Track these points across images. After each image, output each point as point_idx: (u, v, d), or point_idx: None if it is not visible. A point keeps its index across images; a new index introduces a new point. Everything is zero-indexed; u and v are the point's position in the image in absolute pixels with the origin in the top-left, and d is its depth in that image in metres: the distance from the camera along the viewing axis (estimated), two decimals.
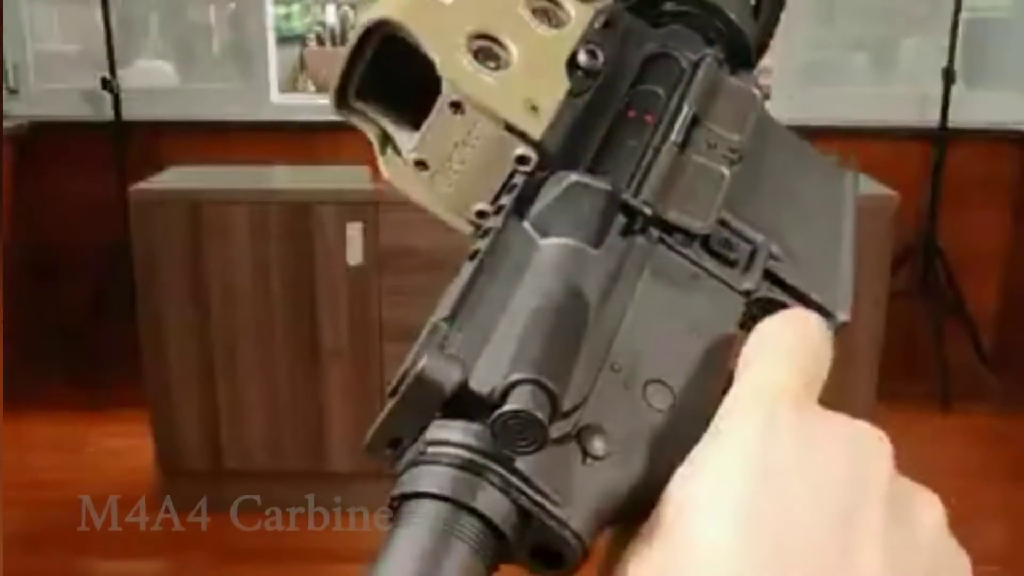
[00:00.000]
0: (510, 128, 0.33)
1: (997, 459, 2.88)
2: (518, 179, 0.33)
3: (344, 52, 0.37)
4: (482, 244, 0.30)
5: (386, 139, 0.37)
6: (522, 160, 0.33)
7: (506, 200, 0.33)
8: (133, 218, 2.47)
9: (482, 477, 0.25)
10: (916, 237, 3.23)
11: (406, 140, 0.36)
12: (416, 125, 0.35)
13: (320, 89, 3.80)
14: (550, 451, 0.25)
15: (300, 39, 3.94)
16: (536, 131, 0.33)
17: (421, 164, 0.34)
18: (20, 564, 2.31)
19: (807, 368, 0.32)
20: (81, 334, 3.27)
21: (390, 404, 0.27)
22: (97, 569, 2.43)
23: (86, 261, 3.29)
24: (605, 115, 0.36)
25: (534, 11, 0.35)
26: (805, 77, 3.40)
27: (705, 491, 0.25)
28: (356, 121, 0.38)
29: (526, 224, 0.32)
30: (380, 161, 0.37)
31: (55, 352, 3.37)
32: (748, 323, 0.33)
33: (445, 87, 0.33)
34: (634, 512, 0.27)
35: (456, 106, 0.33)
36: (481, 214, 0.34)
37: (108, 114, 3.23)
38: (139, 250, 2.45)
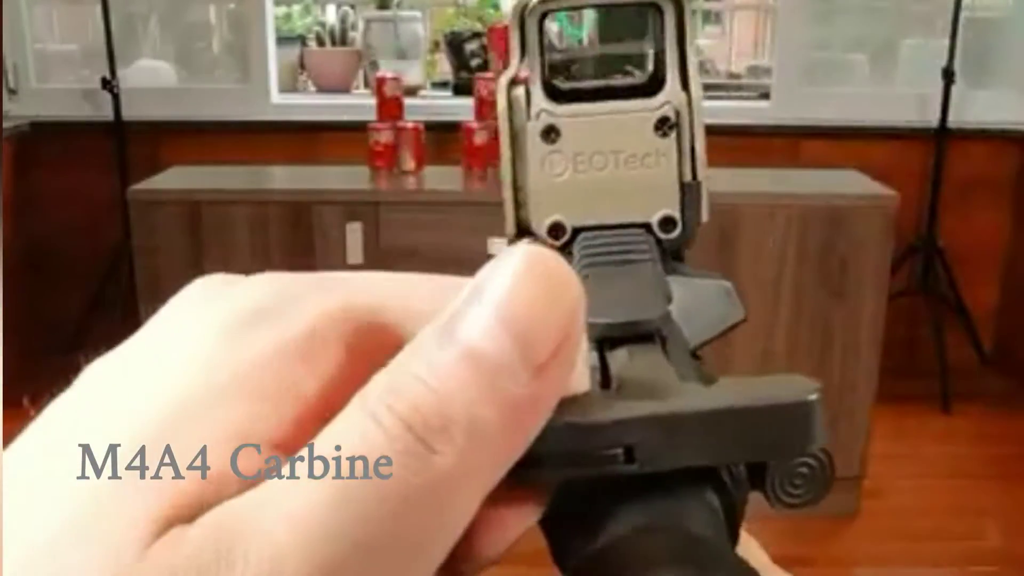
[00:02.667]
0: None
1: (997, 459, 2.88)
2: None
3: None
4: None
5: None
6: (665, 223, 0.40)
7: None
8: (133, 218, 2.47)
9: None
10: (916, 237, 3.23)
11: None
12: None
13: (320, 90, 3.80)
14: None
15: (300, 39, 3.94)
16: None
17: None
18: None
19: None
20: (81, 334, 3.27)
21: None
22: None
23: (86, 261, 3.29)
24: None
25: None
26: (805, 77, 3.40)
27: None
28: None
29: None
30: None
31: (55, 352, 3.37)
32: None
33: None
34: None
35: None
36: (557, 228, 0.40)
37: (108, 114, 3.23)
38: (139, 250, 2.45)
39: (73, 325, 3.28)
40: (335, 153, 2.71)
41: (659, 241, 0.40)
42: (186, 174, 2.70)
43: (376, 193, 2.41)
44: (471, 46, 3.61)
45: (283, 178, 2.90)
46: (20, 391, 2.70)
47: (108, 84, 3.19)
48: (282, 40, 3.68)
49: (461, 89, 3.47)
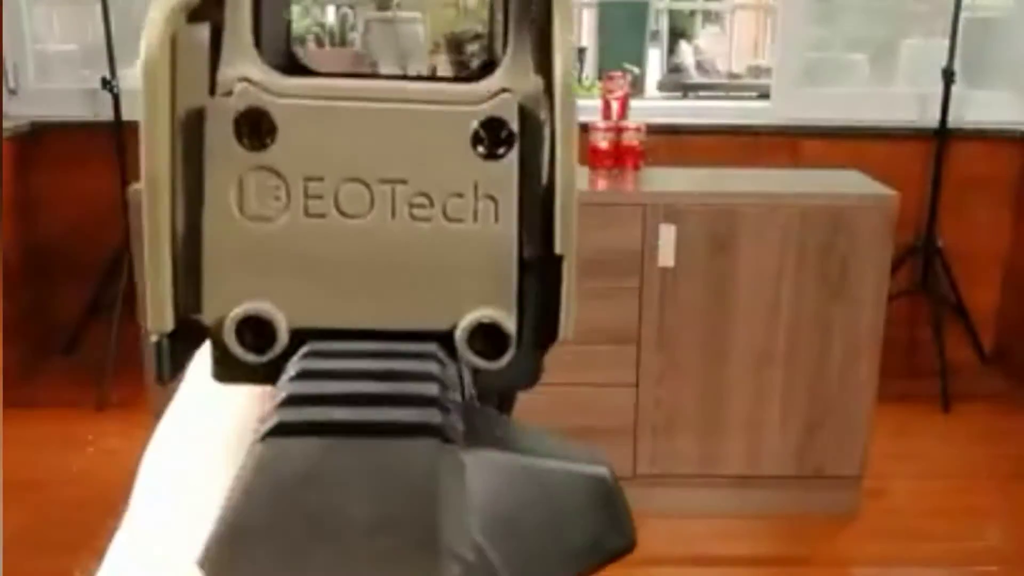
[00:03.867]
0: None
1: (997, 459, 2.88)
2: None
3: None
4: None
5: None
6: None
7: None
8: (133, 218, 2.47)
9: None
10: (916, 237, 3.23)
11: None
12: None
13: None
14: None
15: (300, 40, 3.94)
16: None
17: None
18: (20, 564, 2.31)
19: None
20: (81, 334, 3.27)
21: None
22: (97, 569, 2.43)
23: (86, 261, 3.29)
24: None
25: None
26: (805, 77, 3.39)
27: None
28: None
29: None
30: None
31: (55, 352, 3.37)
32: None
33: None
34: None
35: None
36: None
37: (108, 114, 3.23)
38: (139, 250, 2.44)
39: (73, 325, 3.28)
40: None
41: (470, 373, 0.23)
42: None
43: None
44: (471, 47, 3.61)
45: None
46: (20, 391, 2.70)
47: (108, 84, 3.19)
48: None
49: None
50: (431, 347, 0.22)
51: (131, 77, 3.39)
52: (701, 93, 4.13)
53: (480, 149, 0.22)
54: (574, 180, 0.22)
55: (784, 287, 2.42)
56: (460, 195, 0.22)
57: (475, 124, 0.22)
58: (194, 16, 0.22)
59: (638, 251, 2.39)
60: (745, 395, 2.48)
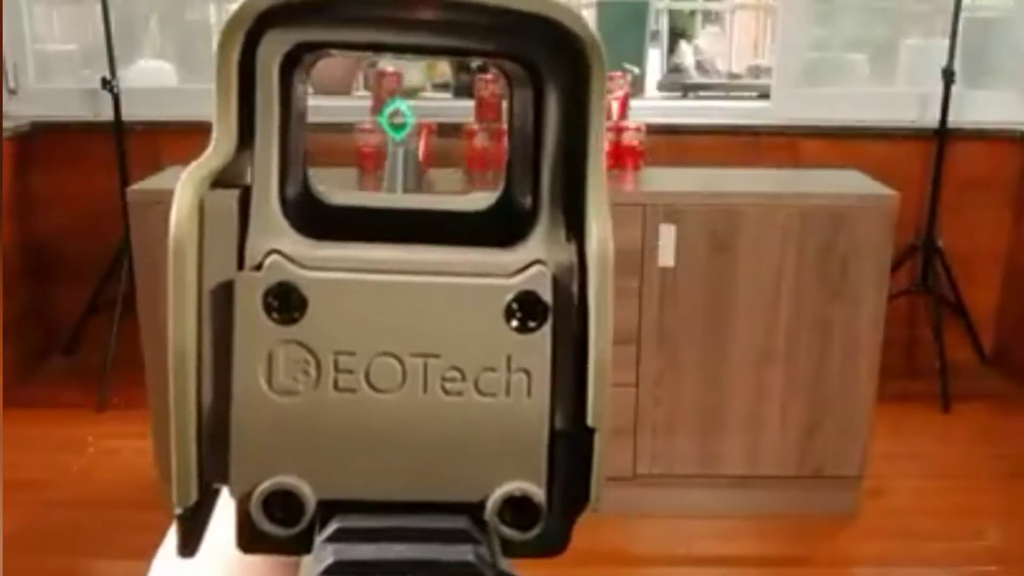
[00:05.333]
0: None
1: (997, 459, 2.88)
2: None
3: None
4: None
5: None
6: None
7: None
8: (133, 218, 2.47)
9: None
10: (916, 237, 3.23)
11: None
12: None
13: (320, 92, 3.79)
14: None
15: None
16: None
17: None
18: (20, 564, 2.31)
19: None
20: (81, 334, 3.27)
21: None
22: (97, 569, 2.43)
23: (86, 261, 3.29)
24: None
25: None
26: (805, 77, 3.39)
27: None
28: None
29: None
30: None
31: (55, 352, 3.37)
32: None
33: None
34: None
35: None
36: None
37: (108, 114, 3.23)
38: (139, 250, 2.44)
39: (73, 325, 3.28)
40: (334, 154, 2.70)
41: (499, 545, 0.22)
42: None
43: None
44: None
45: None
46: (20, 391, 2.70)
47: (108, 84, 3.19)
48: None
49: (462, 91, 3.47)
50: (463, 522, 0.21)
51: (131, 77, 3.40)
52: (701, 93, 4.12)
53: (513, 323, 0.21)
54: (608, 354, 0.22)
55: (784, 287, 2.42)
56: (493, 369, 0.21)
57: (508, 298, 0.21)
58: (220, 181, 0.21)
59: (638, 251, 2.39)
60: (745, 395, 2.48)
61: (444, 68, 3.87)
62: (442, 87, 3.81)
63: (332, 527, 0.21)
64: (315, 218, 0.22)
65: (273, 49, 0.22)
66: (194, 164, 0.21)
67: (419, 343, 0.21)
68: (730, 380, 2.47)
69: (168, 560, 0.28)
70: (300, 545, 0.21)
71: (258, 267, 0.21)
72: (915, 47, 3.60)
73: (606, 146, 2.62)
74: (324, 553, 0.20)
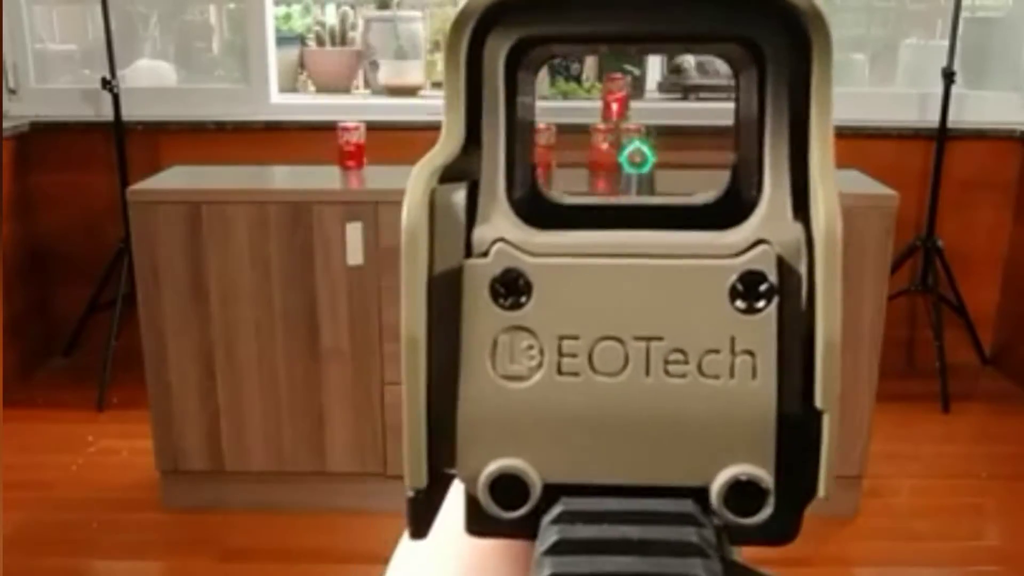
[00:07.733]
0: None
1: (997, 459, 2.88)
2: None
3: None
4: None
5: None
6: None
7: None
8: (133, 218, 2.47)
9: None
10: (916, 237, 3.23)
11: None
12: None
13: (320, 89, 3.80)
14: None
15: (300, 39, 3.94)
16: None
17: None
18: (20, 564, 2.31)
19: None
20: (81, 334, 3.27)
21: None
22: (97, 569, 2.43)
23: (86, 261, 3.29)
24: None
25: None
26: None
27: None
28: None
29: None
30: None
31: (55, 352, 3.37)
32: None
33: None
34: None
35: None
36: None
37: (108, 114, 3.23)
38: (139, 250, 2.44)
39: (73, 325, 3.28)
40: (335, 153, 2.70)
41: (722, 530, 0.22)
42: (186, 174, 2.70)
43: (376, 193, 2.41)
44: None
45: (283, 178, 2.90)
46: (20, 391, 2.71)
47: (108, 84, 3.19)
48: (282, 40, 3.68)
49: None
50: (688, 506, 0.21)
51: (131, 77, 3.40)
52: (702, 94, 4.12)
53: (738, 304, 0.21)
54: (838, 335, 0.22)
55: None
56: (716, 351, 0.21)
57: (733, 278, 0.21)
58: (449, 174, 0.22)
59: None
60: None
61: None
62: (441, 85, 3.81)
63: (557, 510, 0.21)
64: (541, 213, 0.23)
65: (498, 44, 0.22)
66: (424, 158, 0.22)
67: (642, 326, 0.21)
68: None
69: (406, 547, 0.30)
70: (526, 528, 0.22)
71: (484, 254, 0.22)
72: (915, 47, 3.60)
73: (603, 127, 2.60)
74: (548, 534, 0.21)
